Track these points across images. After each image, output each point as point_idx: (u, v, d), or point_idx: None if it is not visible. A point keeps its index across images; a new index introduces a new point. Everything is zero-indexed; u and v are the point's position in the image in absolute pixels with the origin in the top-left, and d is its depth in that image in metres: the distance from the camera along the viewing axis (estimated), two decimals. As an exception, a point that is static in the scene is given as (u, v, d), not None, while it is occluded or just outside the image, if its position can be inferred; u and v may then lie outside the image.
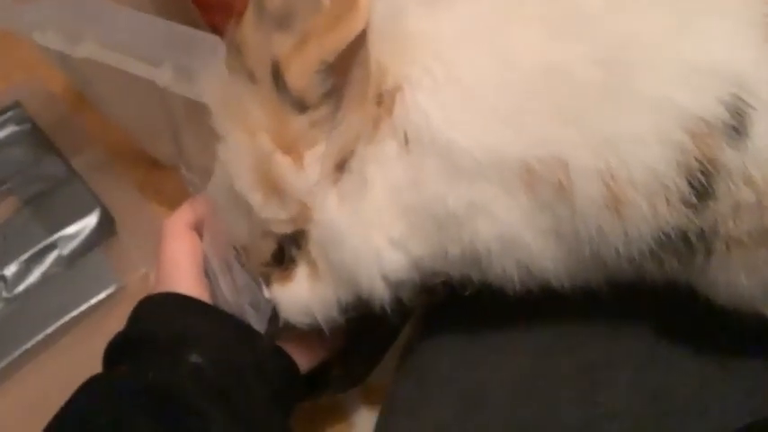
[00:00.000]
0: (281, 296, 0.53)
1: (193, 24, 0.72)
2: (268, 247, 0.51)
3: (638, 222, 0.44)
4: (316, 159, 0.47)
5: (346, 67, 0.44)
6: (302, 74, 0.44)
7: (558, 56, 0.43)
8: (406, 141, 0.46)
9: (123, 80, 0.72)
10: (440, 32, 0.46)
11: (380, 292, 0.49)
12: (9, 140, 0.98)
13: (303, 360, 0.57)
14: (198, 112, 0.60)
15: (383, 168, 0.46)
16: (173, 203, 0.94)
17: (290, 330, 0.54)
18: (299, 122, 0.46)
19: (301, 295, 0.51)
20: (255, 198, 0.48)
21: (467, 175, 0.45)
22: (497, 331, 0.56)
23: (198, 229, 0.59)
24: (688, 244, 0.44)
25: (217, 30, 0.78)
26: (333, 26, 0.42)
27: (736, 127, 0.41)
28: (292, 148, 0.47)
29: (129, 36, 0.68)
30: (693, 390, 0.52)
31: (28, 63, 1.05)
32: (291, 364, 0.55)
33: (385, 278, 0.49)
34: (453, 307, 0.57)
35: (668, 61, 0.42)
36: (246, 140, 0.47)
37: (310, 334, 0.54)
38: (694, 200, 0.43)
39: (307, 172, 0.47)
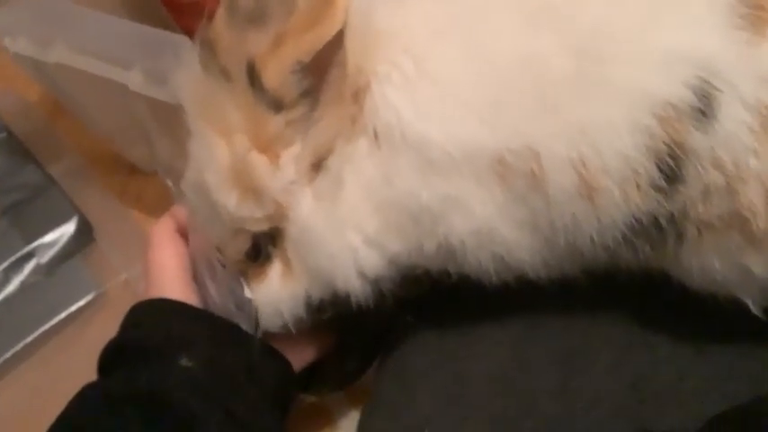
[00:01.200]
0: (256, 294, 0.52)
1: (166, 28, 0.72)
2: (243, 245, 0.51)
3: (611, 209, 0.44)
4: (292, 159, 0.47)
5: (323, 68, 0.44)
6: (278, 74, 0.44)
7: (532, 47, 0.43)
8: (376, 137, 0.46)
9: (98, 86, 0.72)
10: (410, 28, 0.46)
11: (358, 289, 0.49)
12: (-16, 151, 0.97)
13: (296, 358, 0.56)
14: (169, 115, 0.60)
15: (355, 166, 0.46)
16: (152, 209, 0.94)
17: (282, 329, 0.54)
18: (275, 122, 0.46)
19: (273, 294, 0.51)
20: (231, 197, 0.48)
21: (440, 170, 0.45)
22: (475, 323, 0.56)
23: (184, 234, 0.59)
24: (659, 229, 0.45)
25: (190, 33, 0.78)
26: (309, 26, 0.42)
27: (703, 110, 0.42)
28: (268, 148, 0.46)
29: (99, 40, 0.68)
30: (670, 376, 0.52)
31: (4, 72, 1.04)
32: (285, 364, 0.55)
33: (362, 275, 0.49)
34: (430, 302, 0.57)
35: (638, 48, 0.42)
36: (221, 140, 0.47)
37: (302, 332, 0.54)
38: (664, 184, 0.43)
39: (283, 171, 0.47)
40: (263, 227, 0.49)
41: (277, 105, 0.45)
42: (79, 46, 0.69)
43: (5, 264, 0.87)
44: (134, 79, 0.66)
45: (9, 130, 0.99)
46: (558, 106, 0.43)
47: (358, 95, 0.46)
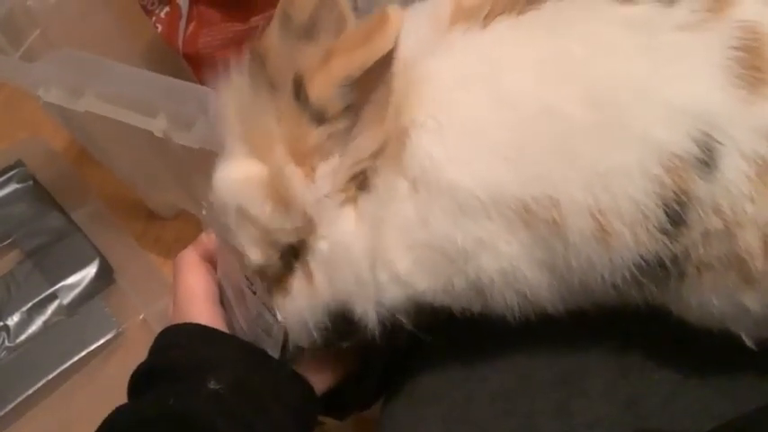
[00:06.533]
0: (283, 309, 0.52)
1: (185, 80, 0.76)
2: (274, 261, 0.51)
3: (622, 250, 0.46)
4: (328, 172, 0.47)
5: (370, 84, 0.45)
6: (325, 87, 0.45)
7: (551, 97, 0.46)
8: (415, 182, 0.47)
9: (125, 135, 0.77)
10: (441, 77, 0.48)
11: (372, 318, 0.50)
12: (12, 198, 1.03)
13: (319, 382, 0.57)
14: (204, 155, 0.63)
15: (395, 206, 0.48)
16: (170, 252, 0.98)
17: (305, 354, 0.56)
18: (315, 134, 0.46)
19: (297, 306, 0.52)
20: (264, 208, 0.48)
21: (471, 214, 0.47)
22: (481, 347, 0.58)
23: (211, 260, 0.60)
24: (664, 269, 0.47)
25: (208, 85, 0.83)
26: (362, 42, 0.43)
27: (707, 161, 0.44)
28: (305, 160, 0.47)
29: (126, 90, 0.72)
30: (665, 396, 0.54)
31: (30, 123, 1.10)
32: (308, 387, 0.56)
33: (380, 305, 0.50)
34: (436, 326, 0.60)
35: (648, 101, 0.45)
36: (259, 150, 0.48)
37: (325, 356, 0.56)
38: (670, 227, 0.45)
39: (318, 184, 0.47)
40: (291, 239, 0.50)
41: (319, 118, 0.46)
42: (107, 96, 0.73)
43: (30, 304, 0.92)
44: (158, 126, 0.70)
45: (35, 178, 1.04)
46: (577, 154, 0.45)
47: (400, 137, 0.47)
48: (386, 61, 0.44)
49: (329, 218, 0.48)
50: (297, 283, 0.51)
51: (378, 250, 0.48)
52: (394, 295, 0.50)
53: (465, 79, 0.48)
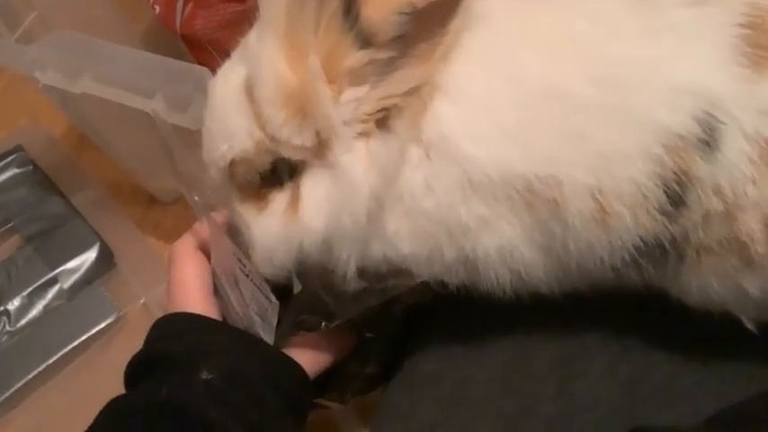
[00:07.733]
0: (254, 227, 0.51)
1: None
2: (262, 165, 0.49)
3: (622, 232, 0.46)
4: (354, 99, 0.46)
5: (431, 19, 0.44)
6: (381, 11, 0.42)
7: (556, 76, 0.46)
8: (428, 148, 0.47)
9: (123, 120, 0.76)
10: (467, 49, 0.47)
11: (352, 268, 0.49)
12: (11, 183, 1.02)
13: (310, 365, 0.57)
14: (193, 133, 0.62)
15: (405, 171, 0.47)
16: (170, 237, 0.98)
17: (297, 336, 0.56)
18: (355, 57, 0.44)
19: (270, 230, 0.50)
20: (279, 114, 0.47)
21: (479, 191, 0.47)
22: (478, 331, 0.58)
23: (205, 250, 0.60)
24: (662, 250, 0.47)
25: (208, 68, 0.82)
26: None
27: (708, 141, 0.44)
28: (336, 79, 0.45)
29: (123, 71, 0.72)
30: (665, 378, 0.54)
31: (30, 109, 1.10)
32: (300, 371, 0.56)
33: (364, 258, 0.49)
34: (434, 308, 0.60)
35: (651, 81, 0.45)
36: (294, 53, 0.45)
37: (316, 339, 0.56)
38: (670, 208, 0.45)
39: (341, 108, 0.46)
40: (294, 155, 0.48)
41: (365, 41, 0.43)
42: (104, 77, 0.72)
43: (30, 289, 0.92)
44: (155, 107, 0.70)
45: (34, 163, 1.04)
46: (581, 133, 0.45)
47: (429, 92, 0.46)
48: (454, 2, 0.42)
49: (342, 147, 0.46)
50: (279, 200, 0.50)
51: (379, 203, 0.47)
52: (373, 252, 0.49)
53: (481, 54, 0.47)
